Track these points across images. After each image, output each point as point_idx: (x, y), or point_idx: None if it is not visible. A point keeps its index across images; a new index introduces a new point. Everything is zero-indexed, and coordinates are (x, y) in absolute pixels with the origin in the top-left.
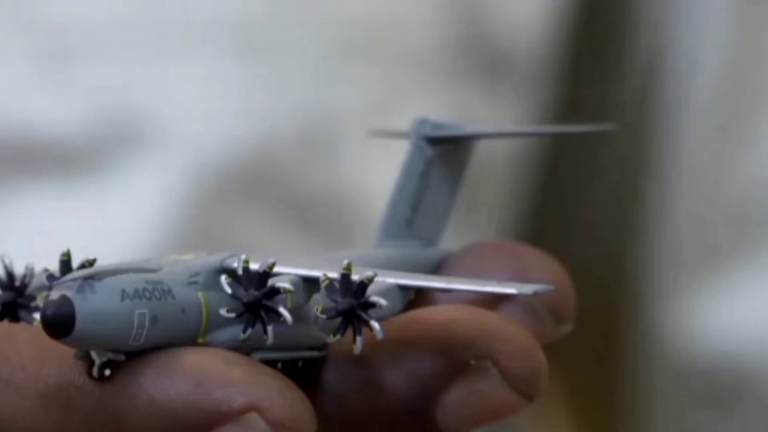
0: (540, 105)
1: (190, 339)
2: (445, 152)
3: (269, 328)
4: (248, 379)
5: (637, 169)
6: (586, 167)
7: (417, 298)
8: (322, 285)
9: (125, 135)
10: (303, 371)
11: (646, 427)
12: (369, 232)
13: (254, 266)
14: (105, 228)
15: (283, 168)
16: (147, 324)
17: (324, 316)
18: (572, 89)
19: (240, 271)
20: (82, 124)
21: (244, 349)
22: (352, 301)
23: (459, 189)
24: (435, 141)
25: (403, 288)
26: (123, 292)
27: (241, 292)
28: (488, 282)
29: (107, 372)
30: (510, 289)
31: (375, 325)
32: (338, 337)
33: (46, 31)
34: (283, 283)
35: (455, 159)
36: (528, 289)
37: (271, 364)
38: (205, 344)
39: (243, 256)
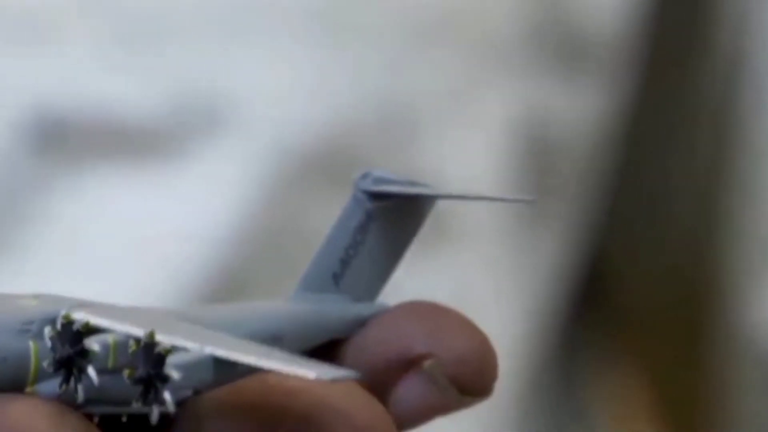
0: (620, 93)
1: (14, 387)
2: (390, 208)
3: (79, 387)
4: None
5: (721, 158)
6: (670, 157)
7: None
8: (129, 352)
9: (203, 118)
10: (159, 425)
11: (732, 418)
12: (446, 218)
13: (76, 319)
14: (182, 212)
15: (361, 153)
16: None
17: (129, 382)
18: (654, 78)
19: (58, 326)
20: (159, 107)
21: (71, 401)
22: (150, 370)
23: (405, 247)
24: (377, 196)
25: (221, 359)
26: None
27: (58, 347)
28: (300, 363)
29: None
30: (310, 373)
31: (167, 398)
32: (139, 404)
33: (125, 13)
34: (92, 344)
35: (402, 216)
36: (326, 375)
37: (109, 417)
38: (33, 394)
39: (63, 311)
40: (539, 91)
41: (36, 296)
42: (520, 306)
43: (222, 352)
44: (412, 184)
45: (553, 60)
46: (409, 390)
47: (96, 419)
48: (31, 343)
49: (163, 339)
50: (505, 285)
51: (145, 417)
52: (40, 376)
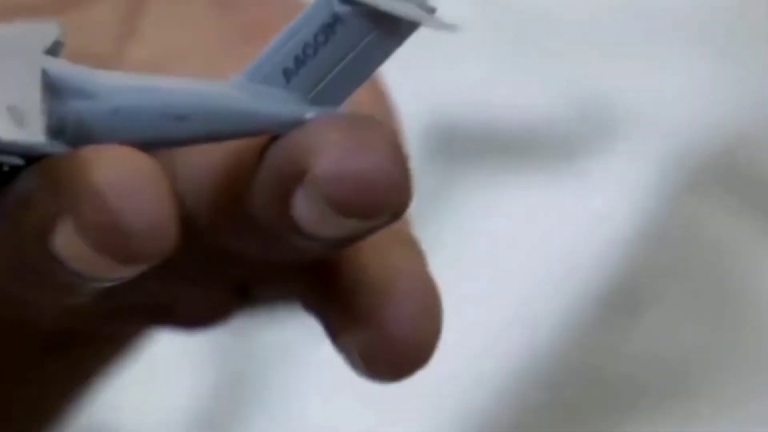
0: None
1: None
2: (361, 14)
3: None
4: None
5: None
6: None
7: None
8: None
9: (596, 125)
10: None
11: None
12: None
13: None
14: (574, 218)
15: (758, 160)
16: None
17: None
18: None
19: None
20: (553, 113)
21: None
22: None
23: (377, 61)
24: (348, 1)
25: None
26: None
27: None
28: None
29: None
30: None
31: None
32: None
33: (518, 20)
34: None
35: (376, 27)
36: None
37: None
38: None
39: None
40: None
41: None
42: None
43: None
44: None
45: None
46: (298, 204)
47: None
48: None
49: None
50: None
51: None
52: None
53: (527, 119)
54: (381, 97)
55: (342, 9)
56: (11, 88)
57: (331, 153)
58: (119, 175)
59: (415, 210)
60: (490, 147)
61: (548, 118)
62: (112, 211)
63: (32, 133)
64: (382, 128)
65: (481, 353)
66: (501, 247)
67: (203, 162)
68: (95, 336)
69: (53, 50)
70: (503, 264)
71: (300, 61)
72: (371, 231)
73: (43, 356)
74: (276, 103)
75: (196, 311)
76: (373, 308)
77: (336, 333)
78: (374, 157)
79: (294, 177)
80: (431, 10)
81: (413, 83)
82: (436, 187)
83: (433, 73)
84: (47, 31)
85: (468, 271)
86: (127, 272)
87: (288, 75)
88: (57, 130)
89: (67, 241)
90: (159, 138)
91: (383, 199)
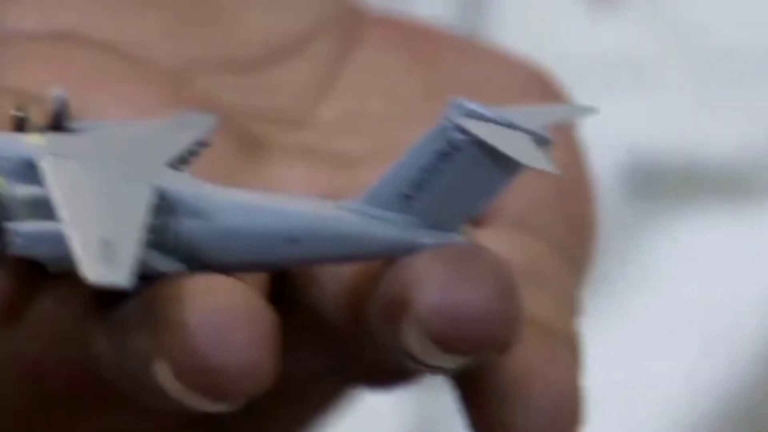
0: None
1: None
2: (478, 143)
3: None
4: None
5: None
6: None
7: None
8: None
9: None
10: None
11: None
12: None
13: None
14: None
15: None
16: None
17: None
18: None
19: None
20: (746, 149)
21: None
22: None
23: (496, 188)
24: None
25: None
26: None
27: None
28: (95, 255)
29: None
30: (86, 269)
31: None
32: None
33: (716, 54)
34: None
35: (493, 157)
36: (95, 276)
37: None
38: None
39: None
40: None
41: (45, 137)
42: None
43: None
44: (511, 125)
45: None
46: (404, 333)
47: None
48: None
49: (19, 190)
50: None
51: None
52: None
53: (719, 155)
54: (575, 154)
55: (458, 137)
56: (114, 215)
57: (432, 287)
58: (211, 312)
59: (614, 248)
60: (689, 185)
61: (739, 154)
62: (199, 353)
63: (119, 275)
64: (490, 260)
65: (681, 387)
66: (702, 284)
67: (340, 271)
68: (286, 400)
69: (193, 152)
70: (703, 300)
71: (417, 186)
72: (479, 363)
73: None
74: (391, 228)
75: (380, 375)
76: (502, 411)
77: (469, 423)
78: (477, 292)
79: (400, 307)
80: (545, 141)
81: (614, 119)
82: (634, 225)
83: (632, 111)
84: (194, 127)
85: (669, 308)
86: (224, 407)
87: (405, 199)
88: (172, 247)
89: (164, 376)
90: (270, 260)
91: (485, 336)
